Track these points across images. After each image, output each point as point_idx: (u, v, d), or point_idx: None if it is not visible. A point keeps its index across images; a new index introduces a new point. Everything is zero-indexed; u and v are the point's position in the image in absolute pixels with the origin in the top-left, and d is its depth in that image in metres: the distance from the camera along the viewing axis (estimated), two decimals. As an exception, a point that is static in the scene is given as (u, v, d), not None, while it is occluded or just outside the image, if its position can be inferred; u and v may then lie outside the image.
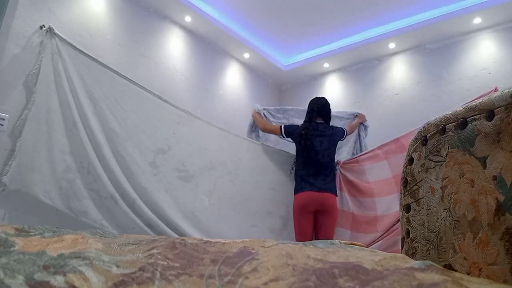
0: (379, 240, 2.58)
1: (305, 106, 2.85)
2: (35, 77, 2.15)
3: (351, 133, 3.03)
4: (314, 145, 2.58)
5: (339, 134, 2.77)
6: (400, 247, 2.47)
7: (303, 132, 2.64)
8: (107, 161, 2.27)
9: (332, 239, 2.05)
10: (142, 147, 2.43)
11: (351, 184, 2.86)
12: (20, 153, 2.02)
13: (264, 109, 3.14)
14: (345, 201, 2.84)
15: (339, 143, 2.86)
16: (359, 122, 3.14)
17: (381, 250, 0.58)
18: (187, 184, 2.57)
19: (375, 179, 2.81)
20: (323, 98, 2.81)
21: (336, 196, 2.58)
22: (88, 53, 2.32)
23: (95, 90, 2.30)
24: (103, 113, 2.31)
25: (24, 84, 2.19)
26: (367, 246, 0.64)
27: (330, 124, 2.78)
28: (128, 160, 2.34)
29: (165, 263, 0.39)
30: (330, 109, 2.78)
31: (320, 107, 2.73)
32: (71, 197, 2.13)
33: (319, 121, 2.70)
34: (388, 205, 2.67)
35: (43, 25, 2.26)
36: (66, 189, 2.13)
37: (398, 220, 2.51)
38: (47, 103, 2.15)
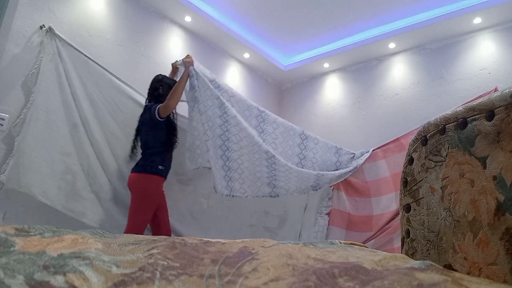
0: (373, 238, 2.58)
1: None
2: (34, 77, 2.15)
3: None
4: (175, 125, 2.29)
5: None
6: (393, 245, 2.45)
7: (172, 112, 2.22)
8: (107, 164, 2.27)
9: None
10: None
11: (349, 184, 2.87)
12: (18, 152, 2.02)
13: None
14: (342, 201, 2.84)
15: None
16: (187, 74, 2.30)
17: (374, 249, 0.58)
18: (185, 187, 2.57)
19: (372, 178, 2.82)
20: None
21: None
22: (88, 56, 2.32)
23: (95, 93, 2.30)
24: (103, 116, 2.31)
25: (24, 84, 2.19)
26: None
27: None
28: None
29: (165, 263, 0.39)
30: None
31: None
32: (70, 198, 2.13)
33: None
34: (385, 204, 2.67)
35: (43, 25, 2.26)
36: (65, 189, 2.12)
37: (393, 218, 2.52)
38: (46, 104, 2.15)
